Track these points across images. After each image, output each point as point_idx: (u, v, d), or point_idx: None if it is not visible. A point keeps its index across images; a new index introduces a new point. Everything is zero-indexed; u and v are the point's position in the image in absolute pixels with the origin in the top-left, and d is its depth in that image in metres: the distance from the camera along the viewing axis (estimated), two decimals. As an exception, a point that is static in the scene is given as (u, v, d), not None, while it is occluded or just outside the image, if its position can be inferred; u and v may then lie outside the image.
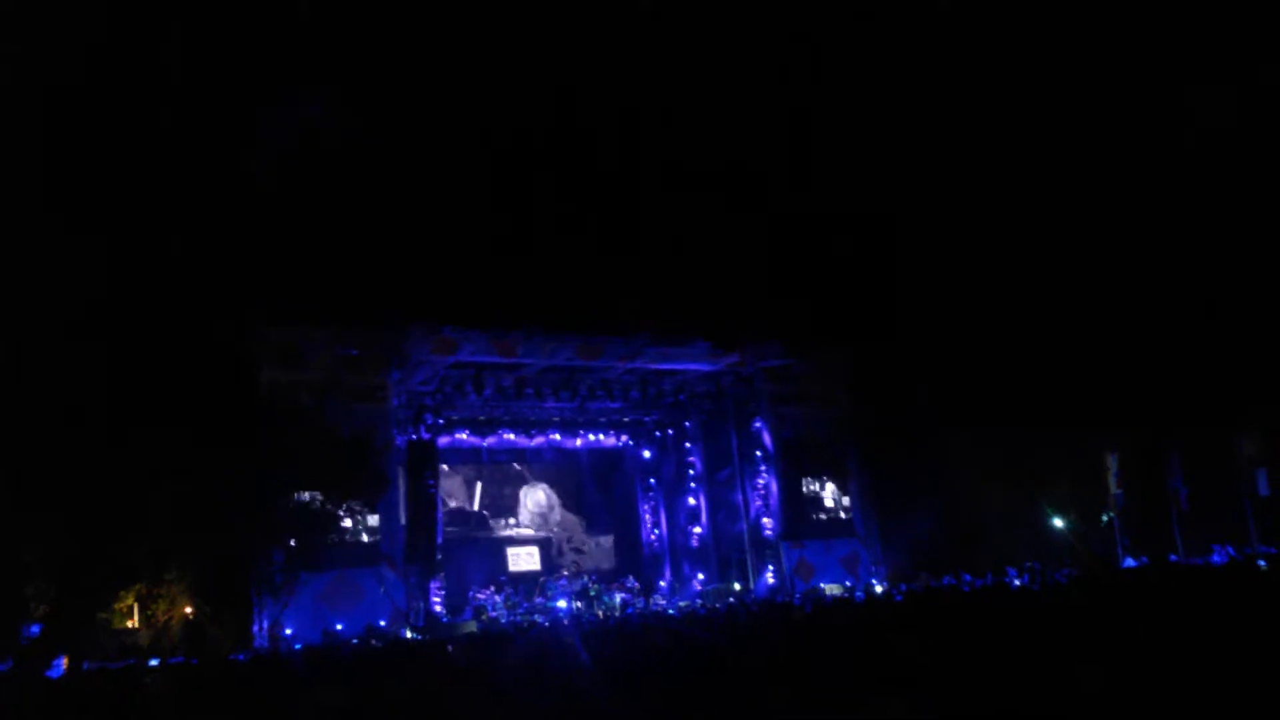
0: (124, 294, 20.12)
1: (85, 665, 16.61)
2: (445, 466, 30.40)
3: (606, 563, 32.80)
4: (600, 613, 25.52)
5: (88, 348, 19.73)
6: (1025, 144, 25.30)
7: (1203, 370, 24.16)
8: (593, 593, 27.54)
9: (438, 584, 24.62)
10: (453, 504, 30.80)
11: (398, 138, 22.72)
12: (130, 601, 21.41)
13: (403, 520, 24.27)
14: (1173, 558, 22.87)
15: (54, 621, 19.20)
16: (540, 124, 25.01)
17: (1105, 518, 26.19)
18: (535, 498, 32.70)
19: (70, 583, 19.72)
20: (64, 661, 16.66)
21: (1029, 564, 21.50)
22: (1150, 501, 25.54)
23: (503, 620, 25.02)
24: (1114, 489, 26.12)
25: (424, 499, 24.73)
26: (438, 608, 24.32)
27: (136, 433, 19.74)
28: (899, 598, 12.73)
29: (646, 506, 33.80)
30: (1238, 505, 24.92)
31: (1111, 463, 26.16)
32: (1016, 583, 19.39)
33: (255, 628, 20.96)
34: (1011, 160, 25.38)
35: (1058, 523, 25.98)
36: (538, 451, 32.12)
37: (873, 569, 29.22)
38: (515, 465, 32.53)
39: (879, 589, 25.05)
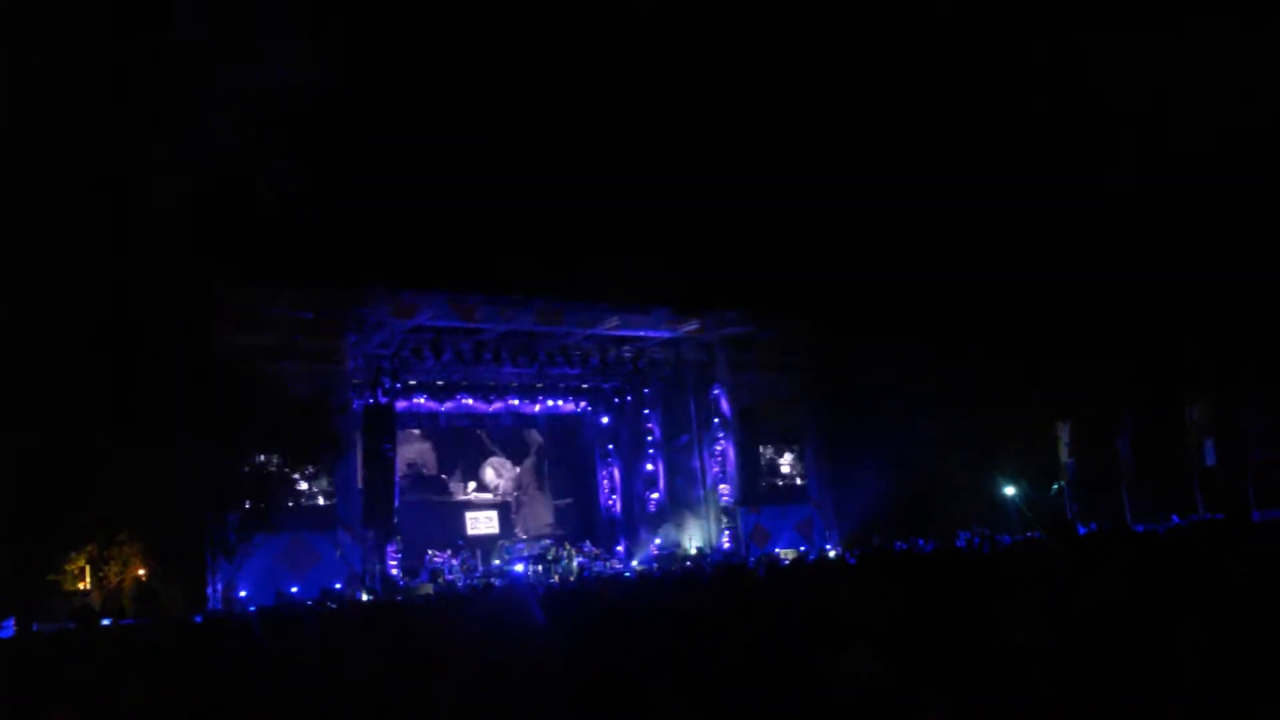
0: (75, 254, 19.76)
1: (35, 627, 16.45)
2: (414, 430, 30.33)
3: (564, 527, 32.89)
4: (557, 576, 25.62)
5: (38, 308, 19.40)
6: (990, 116, 25.44)
7: (1153, 341, 24.53)
8: (550, 556, 27.63)
9: (394, 547, 24.62)
10: (410, 468, 30.68)
11: (364, 98, 22.42)
12: (81, 563, 21.19)
13: (359, 484, 24.19)
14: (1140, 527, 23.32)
15: (3, 583, 18.97)
16: (507, 93, 24.80)
17: (1055, 486, 26.61)
18: (493, 462, 32.66)
19: (20, 544, 19.47)
20: (13, 623, 16.51)
21: (980, 529, 21.83)
22: (1099, 470, 25.97)
23: (459, 584, 25.07)
24: (1065, 457, 26.54)
25: (381, 463, 24.66)
26: (394, 571, 24.32)
27: (89, 394, 19.48)
28: (852, 560, 12.92)
29: (605, 472, 33.90)
30: (1185, 474, 25.40)
31: (1063, 431, 26.57)
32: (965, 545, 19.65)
33: (209, 590, 20.86)
34: (972, 131, 25.52)
35: (1009, 490, 26.36)
36: (496, 417, 32.06)
37: (827, 534, 29.58)
38: (474, 430, 32.44)
39: (833, 553, 25.36)
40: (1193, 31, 20.85)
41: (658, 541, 30.74)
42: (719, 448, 29.62)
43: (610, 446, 33.79)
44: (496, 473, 32.62)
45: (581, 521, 33.32)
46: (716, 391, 29.76)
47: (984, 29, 23.38)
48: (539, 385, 31.32)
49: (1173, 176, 23.62)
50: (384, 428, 25.02)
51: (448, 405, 30.58)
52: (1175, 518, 21.98)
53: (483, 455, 32.54)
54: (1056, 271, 25.60)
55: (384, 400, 25.23)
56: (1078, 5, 22.99)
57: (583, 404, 33.66)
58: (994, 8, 23.24)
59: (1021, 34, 23.39)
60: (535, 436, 33.69)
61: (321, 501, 23.22)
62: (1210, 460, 25.51)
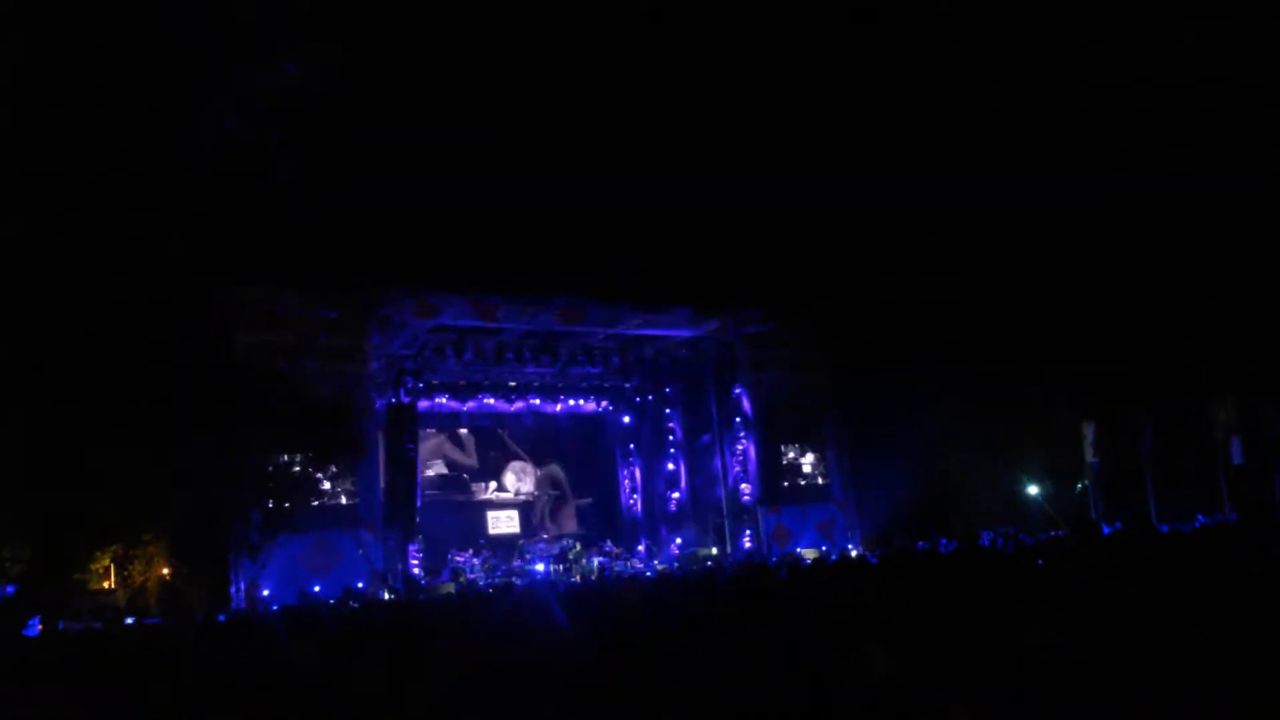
0: (96, 252, 19.88)
1: (60, 625, 16.60)
2: (432, 430, 30.43)
3: (585, 527, 32.93)
4: (578, 575, 25.65)
5: (60, 307, 19.52)
6: (1005, 113, 25.32)
7: (1179, 338, 24.35)
8: (571, 556, 27.66)
9: (416, 547, 24.68)
10: (432, 468, 30.80)
11: (385, 95, 22.51)
12: (106, 562, 21.34)
13: (381, 483, 24.29)
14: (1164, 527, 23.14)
15: (29, 582, 19.13)
16: (530, 94, 24.87)
17: (1080, 485, 26.44)
18: (515, 462, 32.74)
19: (45, 543, 19.63)
20: (39, 621, 16.66)
21: (1003, 529, 21.70)
22: (1125, 469, 25.79)
23: (480, 583, 25.14)
24: (1090, 457, 26.36)
25: (403, 462, 24.73)
26: (416, 570, 24.40)
27: (112, 394, 19.59)
28: (874, 560, 12.89)
29: (626, 471, 33.92)
30: (1211, 473, 25.19)
31: (1088, 431, 26.39)
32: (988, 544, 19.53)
33: (232, 589, 21.00)
34: (989, 129, 25.40)
35: (1032, 490, 26.22)
36: (518, 416, 32.12)
37: (848, 534, 29.49)
38: (495, 429, 32.53)
39: (854, 552, 25.28)
40: (1201, 29, 20.75)
41: (679, 541, 30.73)
42: (740, 447, 29.56)
43: (631, 446, 33.80)
44: (518, 472, 32.71)
45: (603, 521, 33.35)
46: (738, 391, 29.70)
47: (990, 27, 23.30)
48: (560, 385, 31.33)
49: (1196, 174, 23.45)
50: (406, 427, 25.10)
51: (470, 405, 30.66)
52: (1201, 517, 21.81)
53: (504, 455, 32.64)
54: (1083, 270, 25.46)
55: (406, 400, 25.31)
56: (1080, 5, 22.90)
57: (604, 403, 33.68)
58: (997, 7, 23.18)
59: (1030, 31, 23.29)
60: (557, 436, 33.75)
61: (344, 501, 23.35)
62: (1237, 459, 25.30)
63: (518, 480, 32.62)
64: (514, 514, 32.07)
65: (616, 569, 27.10)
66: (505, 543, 30.24)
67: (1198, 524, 19.41)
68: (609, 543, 30.34)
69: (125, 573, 21.14)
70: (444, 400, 29.76)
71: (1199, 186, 23.24)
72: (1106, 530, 15.13)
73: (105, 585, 21.20)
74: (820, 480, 30.26)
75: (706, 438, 30.88)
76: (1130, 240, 24.84)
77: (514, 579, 25.19)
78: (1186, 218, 23.78)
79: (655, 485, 32.84)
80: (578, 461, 33.90)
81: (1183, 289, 24.30)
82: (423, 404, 27.01)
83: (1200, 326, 24.10)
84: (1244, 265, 23.49)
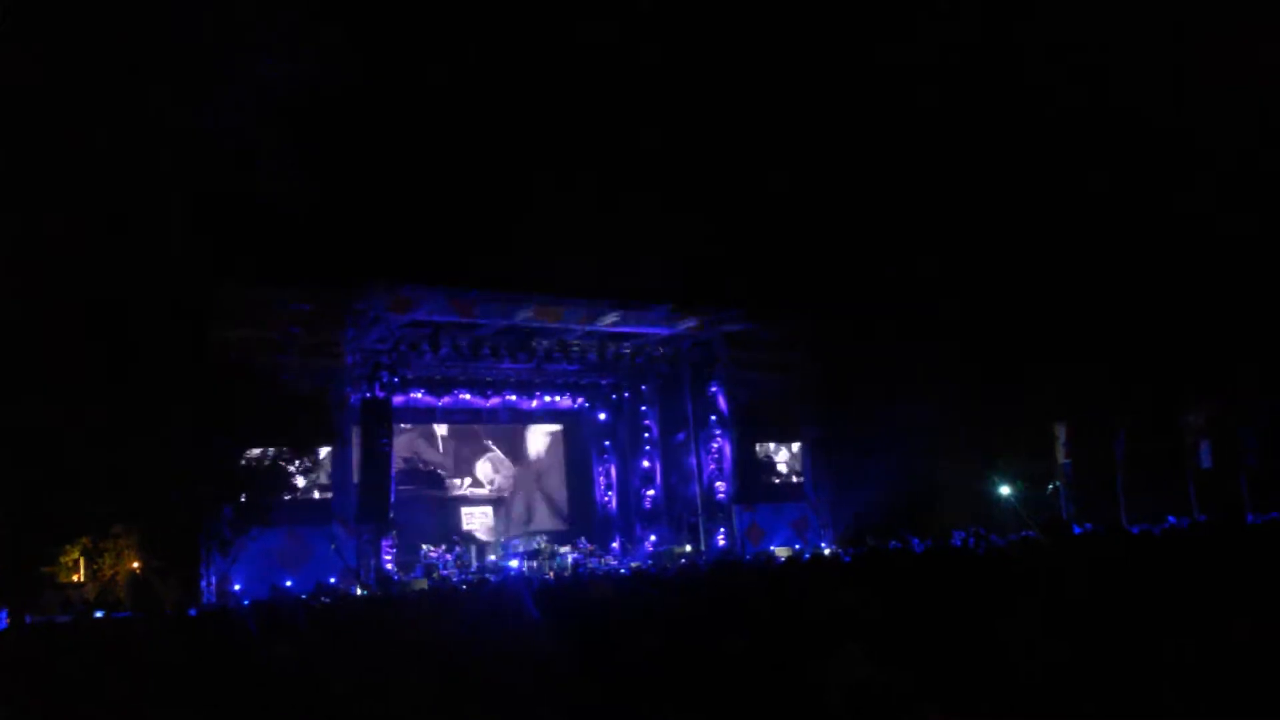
0: (72, 248, 19.73)
1: (29, 619, 16.45)
2: (407, 425, 30.29)
3: (560, 523, 32.90)
4: (551, 572, 25.61)
5: (37, 303, 19.37)
6: (988, 116, 25.45)
7: (1151, 343, 24.55)
8: (545, 553, 27.62)
9: (389, 542, 24.59)
10: (406, 463, 30.68)
11: (361, 91, 22.40)
12: (76, 555, 21.16)
13: (355, 478, 24.18)
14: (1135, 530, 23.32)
15: (-3, 575, 18.96)
16: (509, 90, 24.79)
17: (1050, 486, 26.63)
18: (490, 458, 32.67)
19: (14, 536, 19.45)
20: (6, 614, 16.50)
21: (975, 529, 21.82)
22: (1096, 471, 26.00)
23: (454, 579, 25.06)
24: (1062, 458, 26.56)
25: (377, 457, 24.63)
26: (389, 566, 24.30)
27: (86, 388, 19.45)
28: (847, 559, 12.94)
29: (601, 468, 33.90)
30: (1181, 476, 25.43)
31: (1060, 433, 26.59)
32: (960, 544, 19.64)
33: (204, 583, 20.84)
34: (971, 130, 25.53)
35: (1005, 490, 26.37)
36: (494, 412, 32.05)
37: (822, 533, 29.57)
38: (471, 425, 32.45)
39: (827, 551, 25.36)
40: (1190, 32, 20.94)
41: (653, 539, 30.74)
42: (716, 445, 29.60)
43: (607, 443, 33.78)
44: (493, 468, 32.63)
45: (577, 518, 33.34)
46: (714, 389, 29.73)
47: (982, 28, 23.43)
48: (537, 381, 31.28)
49: (1174, 179, 23.66)
50: (381, 422, 24.98)
51: (445, 400, 30.54)
52: (1170, 518, 22.00)
53: (479, 451, 32.55)
54: (1057, 272, 25.64)
55: (381, 395, 25.18)
56: (1079, 8, 23.05)
57: (580, 400, 33.65)
58: (990, 7, 23.32)
59: (1019, 31, 23.43)
60: (532, 432, 33.71)
61: (317, 496, 23.21)
62: (1206, 463, 25.56)
63: (493, 476, 32.56)
64: (488, 510, 32.02)
65: (590, 566, 27.08)
66: (479, 539, 30.18)
67: (1167, 525, 19.59)
68: (583, 539, 30.31)
69: (95, 566, 20.97)
70: (419, 395, 29.65)
71: (1177, 194, 23.46)
72: (1077, 531, 15.25)
73: (75, 578, 21.01)
74: (794, 479, 30.34)
75: (682, 435, 30.90)
76: (1105, 245, 25.03)
77: (487, 575, 25.12)
78: (1162, 224, 24.00)
79: (630, 482, 32.83)
80: (553, 458, 33.86)
81: (1157, 295, 24.51)
82: (398, 399, 26.90)
83: (1173, 331, 24.32)
84: (1217, 273, 23.73)
